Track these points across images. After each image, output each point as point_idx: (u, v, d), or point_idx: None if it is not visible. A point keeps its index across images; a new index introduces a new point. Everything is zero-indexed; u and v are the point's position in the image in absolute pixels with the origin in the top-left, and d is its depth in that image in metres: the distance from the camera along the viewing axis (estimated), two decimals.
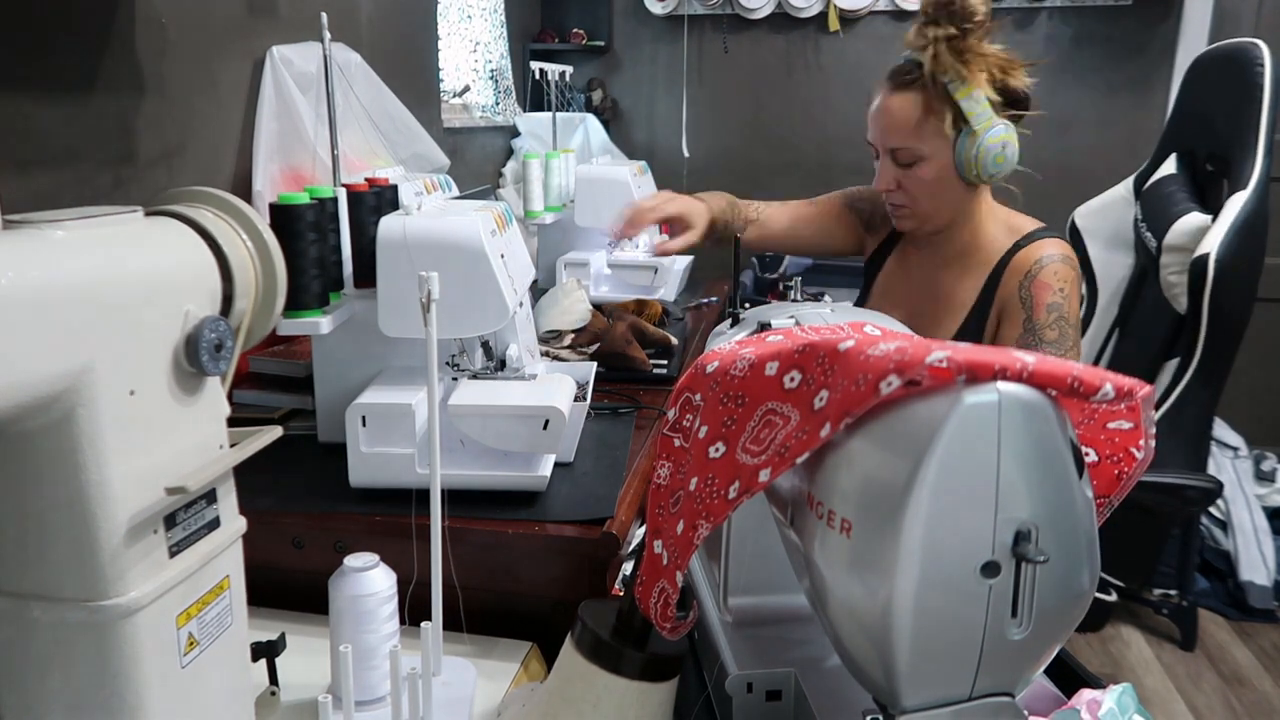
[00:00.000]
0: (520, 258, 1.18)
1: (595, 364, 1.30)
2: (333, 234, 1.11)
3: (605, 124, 3.16)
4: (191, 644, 0.63)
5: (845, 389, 0.50)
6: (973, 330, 1.39)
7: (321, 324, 1.07)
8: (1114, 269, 1.85)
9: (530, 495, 1.05)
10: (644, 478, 1.13)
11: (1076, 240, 1.85)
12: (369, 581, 0.81)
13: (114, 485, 0.56)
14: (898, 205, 1.40)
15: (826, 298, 1.95)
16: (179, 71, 1.34)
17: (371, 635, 0.81)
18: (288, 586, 1.03)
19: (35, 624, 0.57)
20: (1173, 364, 1.55)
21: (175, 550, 0.61)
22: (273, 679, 0.82)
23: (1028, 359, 0.45)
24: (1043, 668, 0.52)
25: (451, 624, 0.92)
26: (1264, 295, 2.95)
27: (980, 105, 1.30)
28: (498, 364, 1.12)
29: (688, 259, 2.32)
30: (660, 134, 3.37)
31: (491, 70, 2.84)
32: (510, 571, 1.02)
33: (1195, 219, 1.51)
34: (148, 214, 0.64)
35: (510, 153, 2.97)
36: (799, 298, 1.01)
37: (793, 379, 0.55)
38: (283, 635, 0.82)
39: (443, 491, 0.82)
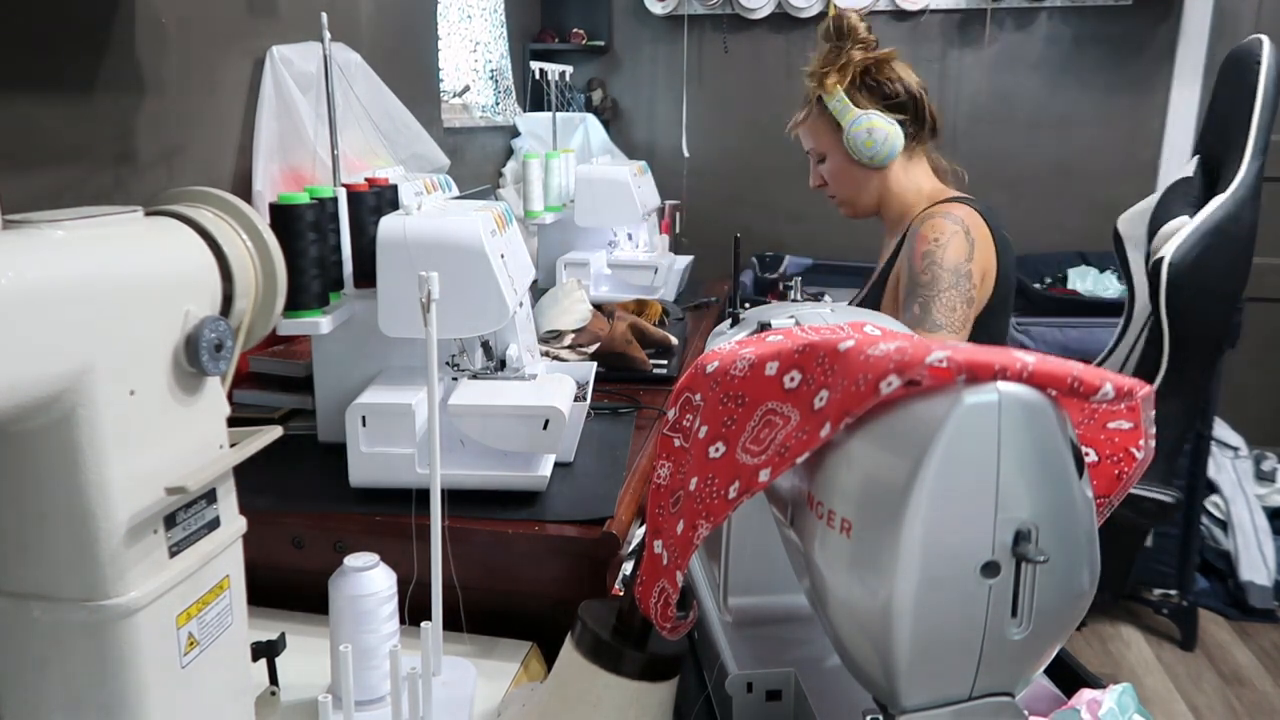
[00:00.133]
0: (520, 258, 1.18)
1: (595, 364, 1.31)
2: (333, 234, 1.11)
3: (605, 124, 3.16)
4: (191, 644, 0.63)
5: (845, 389, 0.50)
6: (877, 287, 1.63)
7: (321, 324, 1.07)
8: (1145, 275, 1.83)
9: (530, 495, 1.05)
10: (644, 478, 1.13)
11: (1118, 246, 1.83)
12: (369, 581, 0.81)
13: (114, 485, 0.56)
14: (830, 197, 1.71)
15: (826, 298, 1.96)
16: (179, 71, 1.34)
17: (371, 635, 0.81)
18: (288, 586, 1.03)
19: (35, 624, 0.57)
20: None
21: (175, 550, 0.61)
22: (273, 679, 0.82)
23: (1028, 359, 0.45)
24: (1043, 668, 0.52)
25: (451, 624, 0.92)
26: (1264, 295, 2.96)
27: (841, 103, 1.57)
28: (498, 364, 1.12)
29: (688, 259, 2.32)
30: (660, 134, 3.37)
31: (491, 70, 2.84)
32: (510, 571, 1.02)
33: (1176, 223, 1.49)
34: (148, 214, 0.64)
35: (510, 153, 2.97)
36: (799, 298, 1.01)
37: (793, 379, 0.55)
38: (283, 635, 0.82)
39: (443, 491, 0.82)
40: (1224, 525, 2.62)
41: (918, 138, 1.62)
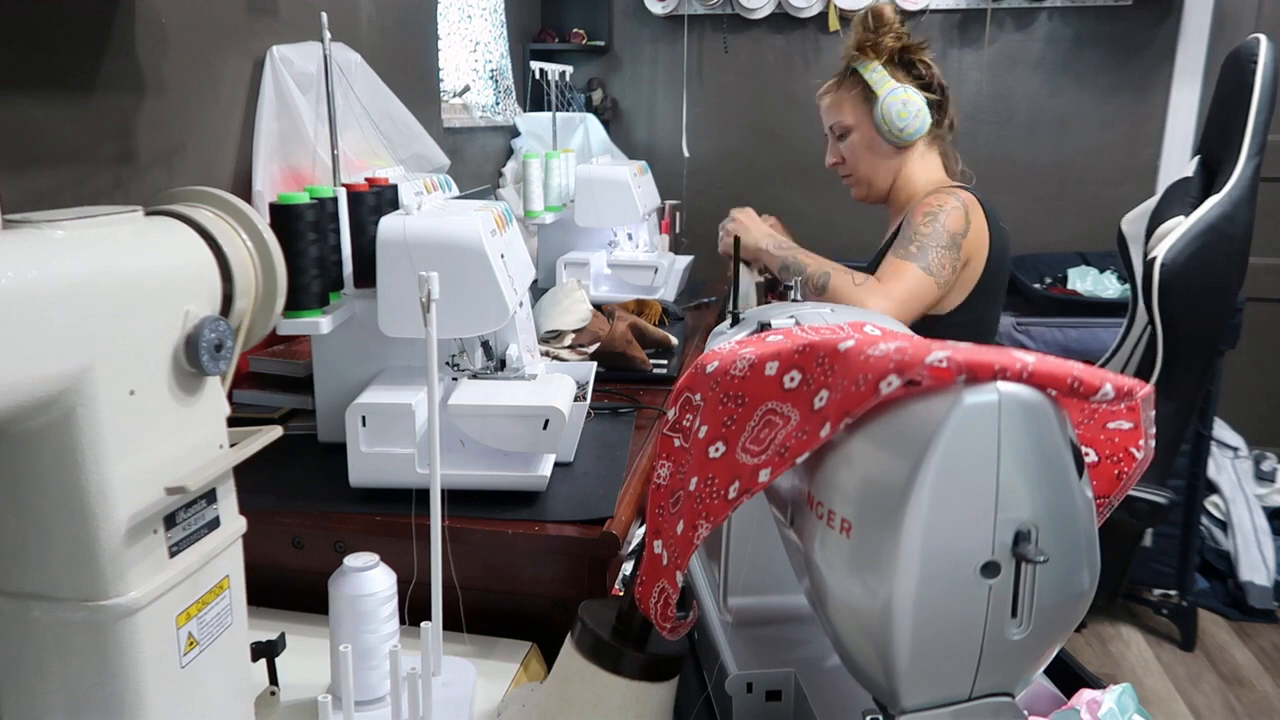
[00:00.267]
0: (520, 258, 1.18)
1: (595, 364, 1.31)
2: (333, 234, 1.11)
3: (605, 124, 3.16)
4: (191, 644, 0.63)
5: (845, 389, 0.50)
6: (873, 267, 1.63)
7: (321, 324, 1.07)
8: None
9: (530, 495, 1.05)
10: (644, 478, 1.13)
11: (1122, 246, 1.83)
12: (369, 581, 0.81)
13: (114, 485, 0.56)
14: (845, 176, 1.73)
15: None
16: (179, 71, 1.34)
17: (371, 635, 0.81)
18: (288, 586, 1.03)
19: (35, 624, 0.57)
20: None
21: (175, 550, 0.61)
22: (273, 679, 0.82)
23: (1028, 359, 0.45)
24: (1043, 668, 0.52)
25: (451, 624, 0.92)
26: (1264, 295, 2.95)
27: (878, 74, 1.59)
28: (498, 364, 1.12)
29: (688, 259, 2.33)
30: (660, 134, 3.37)
31: (491, 70, 2.83)
32: (510, 571, 1.02)
33: (1171, 223, 1.49)
34: (148, 214, 0.64)
35: (510, 153, 2.97)
36: (799, 298, 1.01)
37: (793, 379, 0.55)
38: (283, 635, 0.82)
39: (443, 491, 0.82)
40: (1224, 525, 2.62)
41: (939, 129, 1.66)
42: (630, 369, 1.54)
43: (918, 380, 0.45)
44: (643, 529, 0.73)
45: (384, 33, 2.03)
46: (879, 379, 0.47)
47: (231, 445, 0.67)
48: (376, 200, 1.14)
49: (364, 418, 1.02)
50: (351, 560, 0.82)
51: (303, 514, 1.04)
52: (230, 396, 0.68)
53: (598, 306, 1.74)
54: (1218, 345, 1.48)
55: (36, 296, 0.51)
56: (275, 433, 0.69)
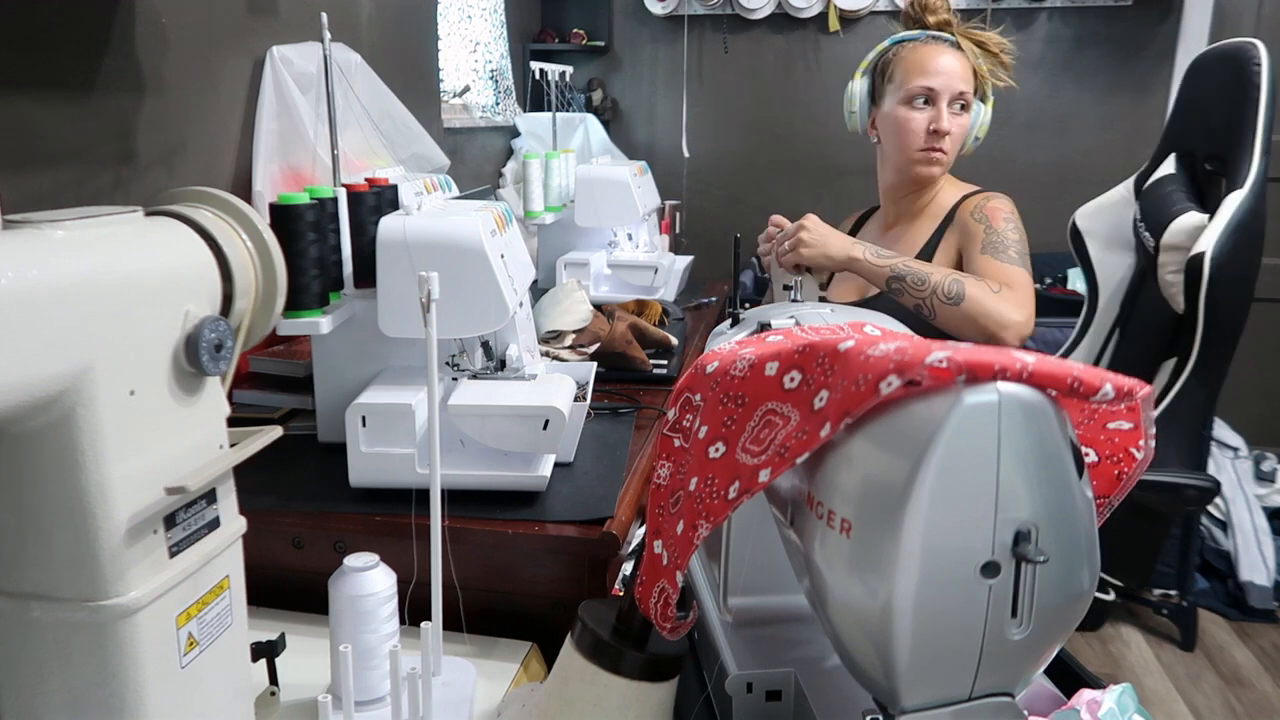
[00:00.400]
0: (520, 258, 1.18)
1: (595, 364, 1.31)
2: (333, 234, 1.11)
3: (605, 124, 3.16)
4: (191, 644, 0.63)
5: (845, 389, 0.50)
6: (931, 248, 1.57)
7: (321, 324, 1.07)
8: (1114, 269, 1.84)
9: (530, 495, 1.05)
10: (644, 478, 1.13)
11: (1077, 241, 1.85)
12: (369, 581, 0.81)
13: (114, 485, 0.56)
14: (939, 150, 1.56)
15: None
16: (179, 71, 1.34)
17: (371, 635, 0.81)
18: (288, 586, 1.03)
19: (35, 624, 0.57)
20: (1170, 363, 1.54)
21: (175, 550, 0.61)
22: (273, 679, 0.82)
23: (1028, 359, 0.45)
24: (1043, 668, 0.52)
25: (451, 624, 0.92)
26: (1264, 295, 2.95)
27: (987, 84, 1.56)
28: (498, 364, 1.12)
29: (688, 259, 2.33)
30: (660, 134, 3.37)
31: (491, 70, 2.84)
32: (510, 571, 1.02)
33: (1193, 218, 1.50)
34: (148, 214, 0.64)
35: (510, 153, 2.97)
36: (799, 298, 1.01)
37: (793, 379, 0.55)
38: (283, 635, 0.82)
39: (443, 491, 0.82)
40: (1224, 525, 2.62)
41: None
42: (630, 369, 1.54)
43: (918, 380, 0.45)
44: (643, 529, 0.73)
45: (384, 33, 2.03)
46: (879, 379, 0.47)
47: (231, 445, 0.67)
48: (376, 200, 1.14)
49: (364, 418, 1.02)
50: (351, 560, 0.82)
51: (303, 514, 1.04)
52: (230, 396, 0.68)
53: (598, 307, 1.74)
54: (1239, 335, 1.50)
55: (36, 296, 0.51)
56: (275, 433, 0.69)
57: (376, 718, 0.82)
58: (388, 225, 1.04)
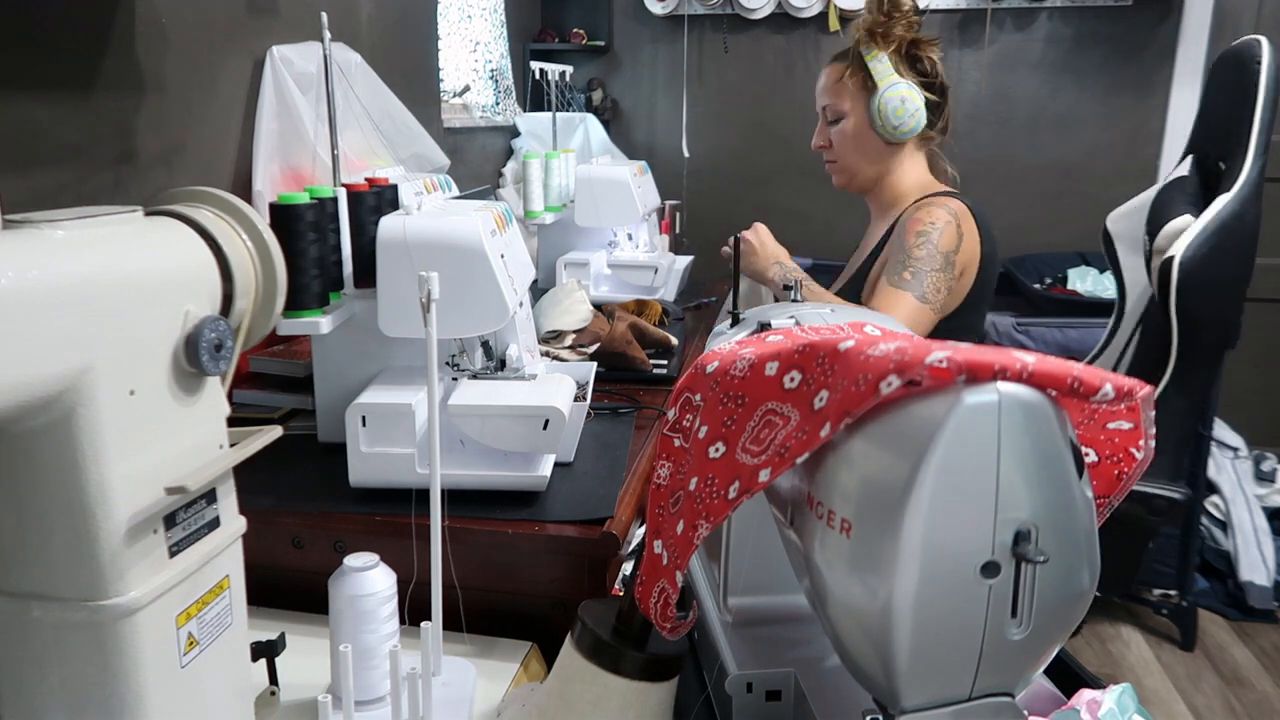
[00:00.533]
0: (520, 258, 1.18)
1: (595, 364, 1.31)
2: (333, 234, 1.11)
3: (605, 124, 3.16)
4: (191, 644, 0.63)
5: (845, 389, 0.50)
6: (862, 274, 1.64)
7: (321, 324, 1.07)
8: (1139, 273, 1.83)
9: (530, 495, 1.05)
10: (644, 478, 1.13)
11: (1108, 244, 1.83)
12: (369, 581, 0.81)
13: (114, 485, 0.56)
14: (829, 161, 1.69)
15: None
16: (179, 71, 1.34)
17: (371, 635, 0.81)
18: (288, 586, 1.03)
19: (35, 624, 0.57)
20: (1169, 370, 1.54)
21: (175, 550, 0.61)
22: (273, 679, 0.82)
23: (1028, 359, 0.45)
24: (1043, 668, 0.52)
25: (451, 624, 0.92)
26: (1263, 296, 2.95)
27: (883, 64, 1.54)
28: (498, 364, 1.12)
29: (688, 259, 2.33)
30: (660, 134, 3.37)
31: (491, 70, 2.83)
32: (510, 571, 1.02)
33: (1181, 221, 1.49)
34: (148, 214, 0.64)
35: (510, 153, 2.97)
36: (799, 298, 1.01)
37: (793, 379, 0.55)
38: (283, 635, 0.82)
39: (443, 491, 0.82)
40: (1224, 525, 2.62)
41: (931, 130, 1.63)
42: (630, 369, 1.54)
43: (918, 380, 0.45)
44: (643, 529, 0.73)
45: (384, 33, 2.03)
46: (879, 379, 0.47)
47: (231, 445, 0.67)
48: (376, 200, 1.14)
49: (364, 418, 1.02)
50: (351, 560, 0.82)
51: (303, 514, 1.04)
52: (230, 396, 0.68)
53: (598, 306, 1.74)
54: (1227, 342, 1.48)
55: (36, 296, 0.51)
56: (275, 433, 0.69)
57: (376, 718, 0.82)
58: (388, 225, 1.04)
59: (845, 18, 3.11)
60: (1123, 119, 3.02)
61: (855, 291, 1.64)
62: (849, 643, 0.52)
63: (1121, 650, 2.41)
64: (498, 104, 2.87)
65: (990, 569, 0.46)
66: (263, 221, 0.70)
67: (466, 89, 2.71)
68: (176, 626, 0.61)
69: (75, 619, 0.57)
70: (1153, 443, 0.57)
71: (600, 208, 2.06)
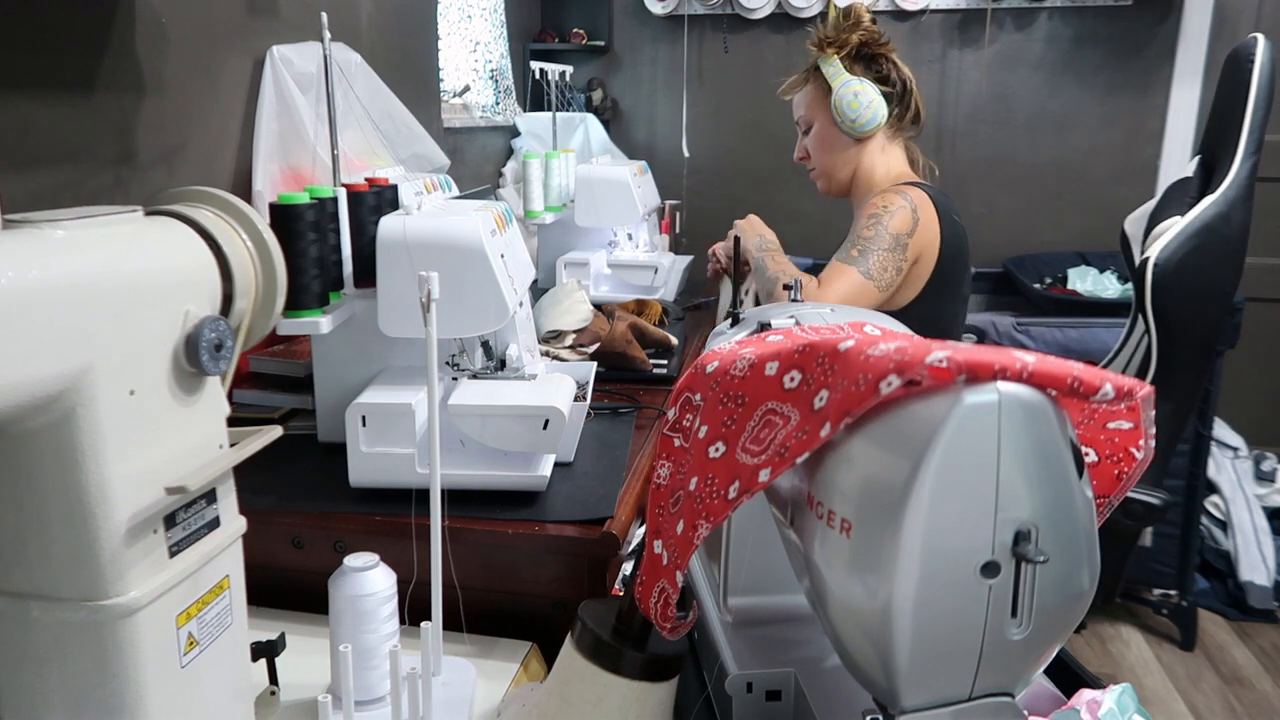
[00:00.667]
0: (520, 258, 1.18)
1: (595, 364, 1.31)
2: (333, 234, 1.11)
3: (605, 124, 3.16)
4: (191, 644, 0.63)
5: (845, 389, 0.50)
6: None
7: (321, 324, 1.07)
8: None
9: (530, 495, 1.05)
10: (644, 478, 1.13)
11: (1125, 246, 1.83)
12: (369, 581, 0.81)
13: (114, 485, 0.56)
14: (809, 169, 1.77)
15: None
16: (179, 71, 1.34)
17: (371, 635, 0.81)
18: (288, 586, 1.03)
19: (35, 624, 0.57)
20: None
21: (175, 550, 0.61)
22: (273, 679, 0.82)
23: (1028, 359, 0.45)
24: (1043, 668, 0.52)
25: (451, 624, 0.92)
26: (1263, 296, 2.95)
27: (834, 66, 1.64)
28: (498, 364, 1.12)
29: (688, 259, 2.33)
30: (660, 134, 3.37)
31: (491, 70, 2.83)
32: (510, 571, 1.02)
33: (1167, 223, 1.49)
34: (148, 214, 0.64)
35: (510, 153, 2.97)
36: (799, 297, 1.01)
37: (793, 379, 0.55)
38: (283, 635, 0.82)
39: (443, 491, 0.82)
40: (1224, 525, 2.62)
41: (900, 122, 1.69)
42: (630, 369, 1.54)
43: (918, 380, 0.45)
44: (643, 529, 0.73)
45: (384, 33, 2.03)
46: (879, 379, 0.47)
47: (231, 445, 0.67)
48: (376, 200, 1.14)
49: (364, 418, 1.02)
50: (351, 560, 0.82)
51: (303, 514, 1.04)
52: (230, 396, 0.68)
53: (598, 306, 1.74)
54: (1214, 346, 1.47)
55: (37, 296, 0.51)
56: (275, 433, 0.69)
57: (376, 718, 0.82)
58: (388, 225, 1.04)
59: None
60: (1123, 119, 3.02)
61: None
62: (849, 643, 0.52)
63: (1121, 650, 2.41)
64: (498, 104, 2.87)
65: (990, 569, 0.46)
66: (263, 221, 0.70)
67: (466, 89, 2.71)
68: (176, 626, 0.61)
69: (75, 619, 0.57)
70: (1153, 443, 0.57)
71: (600, 208, 2.06)
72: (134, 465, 0.57)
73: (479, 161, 2.74)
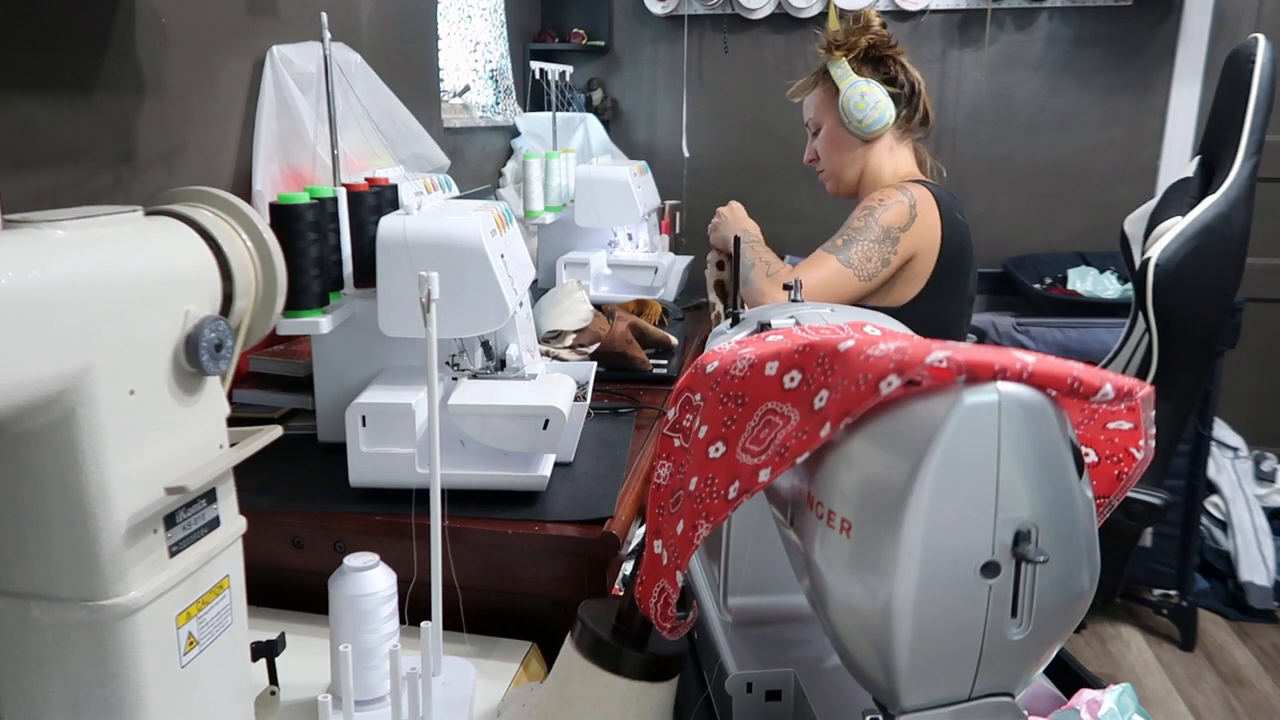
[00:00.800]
0: (520, 258, 1.18)
1: (595, 364, 1.31)
2: (333, 234, 1.11)
3: (605, 124, 3.16)
4: (191, 644, 0.63)
5: (845, 389, 0.50)
6: None
7: (321, 324, 1.07)
8: None
9: (530, 495, 1.05)
10: (644, 478, 1.13)
11: (1125, 247, 1.83)
12: (369, 581, 0.81)
13: (114, 485, 0.56)
14: (819, 171, 1.79)
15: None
16: (179, 71, 1.34)
17: (371, 635, 0.81)
18: (288, 586, 1.03)
19: (35, 624, 0.57)
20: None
21: (175, 550, 0.61)
22: (273, 679, 0.82)
23: (1028, 359, 0.45)
24: (1043, 668, 0.52)
25: (451, 624, 0.92)
26: (1263, 296, 2.95)
27: (842, 68, 1.66)
28: (498, 364, 1.12)
29: (688, 259, 2.33)
30: (660, 134, 3.37)
31: (491, 70, 2.83)
32: (510, 571, 1.02)
33: (1168, 223, 1.49)
34: (147, 214, 0.64)
35: (510, 153, 2.97)
36: (799, 298, 1.01)
37: (793, 379, 0.55)
38: (283, 635, 0.82)
39: (443, 491, 0.82)
40: (1224, 525, 2.62)
41: (909, 124, 1.70)
42: (630, 369, 1.54)
43: (918, 380, 0.45)
44: (643, 529, 0.73)
45: (384, 33, 2.03)
46: (879, 379, 0.47)
47: (231, 445, 0.67)
48: (376, 200, 1.14)
49: (364, 417, 1.02)
50: (351, 560, 0.82)
51: (303, 514, 1.04)
52: (230, 396, 0.68)
53: (598, 306, 1.74)
54: (1214, 346, 1.47)
55: (37, 296, 0.51)
56: (275, 433, 0.69)
57: (376, 718, 0.82)
58: (388, 225, 1.04)
59: (845, 18, 3.10)
60: (1123, 119, 3.02)
61: None
62: (849, 643, 0.52)
63: (1121, 650, 2.41)
64: (498, 104, 2.87)
65: (990, 569, 0.46)
66: (263, 221, 0.70)
67: (466, 89, 2.71)
68: (176, 626, 0.61)
69: (75, 619, 0.57)
70: (1153, 443, 0.57)
71: (600, 208, 2.06)
72: (134, 465, 0.57)
73: (479, 161, 2.74)
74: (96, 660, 0.57)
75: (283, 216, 1.04)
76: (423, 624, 0.80)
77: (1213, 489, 2.65)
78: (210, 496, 0.65)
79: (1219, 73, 1.54)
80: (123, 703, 0.58)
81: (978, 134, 3.08)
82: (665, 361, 1.59)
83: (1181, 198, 1.58)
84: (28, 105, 1.08)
